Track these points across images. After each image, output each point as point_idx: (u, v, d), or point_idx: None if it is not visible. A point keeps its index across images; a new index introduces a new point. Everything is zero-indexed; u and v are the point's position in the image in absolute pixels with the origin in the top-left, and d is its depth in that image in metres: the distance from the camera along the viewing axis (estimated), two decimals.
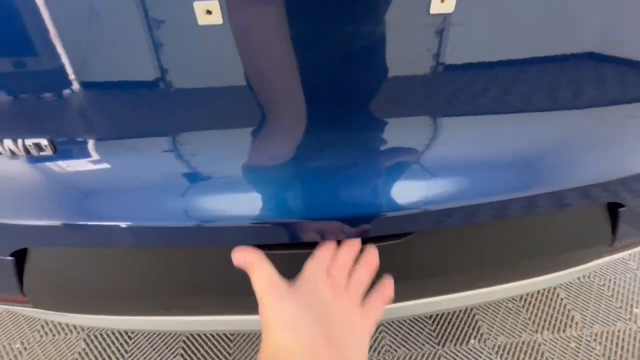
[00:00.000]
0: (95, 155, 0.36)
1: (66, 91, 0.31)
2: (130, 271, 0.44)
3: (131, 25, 0.27)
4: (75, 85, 0.31)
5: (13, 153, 0.35)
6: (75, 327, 0.98)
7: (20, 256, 0.43)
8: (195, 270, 0.44)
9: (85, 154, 0.36)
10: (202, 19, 0.27)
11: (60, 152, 0.36)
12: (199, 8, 0.26)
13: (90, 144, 0.36)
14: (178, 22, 0.28)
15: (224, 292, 0.46)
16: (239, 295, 0.42)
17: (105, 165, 0.37)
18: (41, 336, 0.97)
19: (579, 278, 1.07)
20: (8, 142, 0.35)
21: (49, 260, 0.44)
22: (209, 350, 0.94)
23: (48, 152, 0.35)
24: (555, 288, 1.06)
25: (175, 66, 0.31)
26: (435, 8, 0.28)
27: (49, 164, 0.37)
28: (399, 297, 0.40)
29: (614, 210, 0.45)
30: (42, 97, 0.32)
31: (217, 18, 0.27)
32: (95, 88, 0.32)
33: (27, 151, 0.35)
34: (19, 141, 0.35)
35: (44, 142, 0.35)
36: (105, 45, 0.29)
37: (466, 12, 0.29)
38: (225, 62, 0.30)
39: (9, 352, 0.94)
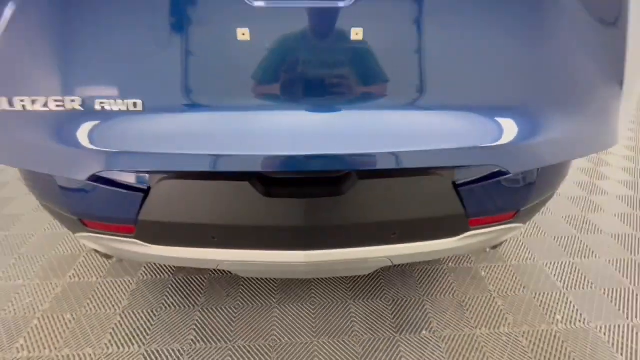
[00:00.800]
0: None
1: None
2: (214, 209, 0.77)
3: (205, 42, 0.62)
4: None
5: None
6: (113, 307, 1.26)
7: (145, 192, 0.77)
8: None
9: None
10: (240, 37, 0.60)
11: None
12: (239, 32, 0.60)
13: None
14: (230, 38, 0.60)
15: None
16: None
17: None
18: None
19: (515, 290, 1.35)
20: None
21: (157, 200, 0.78)
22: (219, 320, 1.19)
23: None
24: (494, 297, 1.33)
25: (229, 60, 0.63)
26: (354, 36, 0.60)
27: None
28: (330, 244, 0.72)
29: (457, 189, 0.80)
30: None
31: (247, 37, 0.61)
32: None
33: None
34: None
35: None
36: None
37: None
38: (250, 60, 0.62)
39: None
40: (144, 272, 1.40)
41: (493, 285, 1.38)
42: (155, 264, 1.44)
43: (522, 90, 0.68)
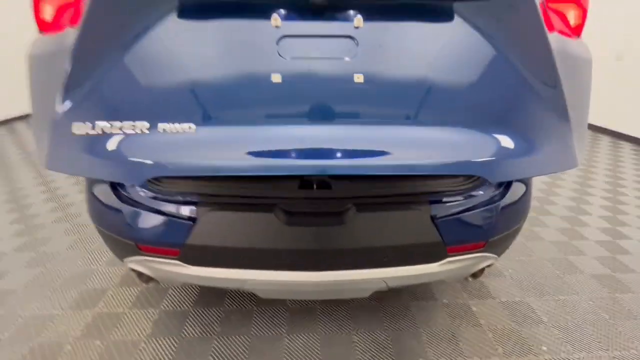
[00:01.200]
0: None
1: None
2: (244, 235, 0.97)
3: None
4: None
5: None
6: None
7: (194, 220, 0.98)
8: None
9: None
10: (275, 80, 0.81)
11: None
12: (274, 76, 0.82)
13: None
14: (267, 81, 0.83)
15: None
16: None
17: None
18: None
19: (504, 324, 1.47)
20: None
21: (202, 227, 0.99)
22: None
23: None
24: (485, 330, 1.45)
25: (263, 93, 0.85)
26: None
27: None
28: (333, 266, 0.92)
29: (434, 221, 1.01)
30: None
31: (279, 80, 0.82)
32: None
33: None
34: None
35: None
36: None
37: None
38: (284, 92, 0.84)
39: None
40: (167, 303, 1.55)
41: (484, 320, 1.51)
42: (177, 295, 1.59)
43: (491, 121, 0.87)
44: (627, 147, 4.07)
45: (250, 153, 0.83)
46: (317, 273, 1.01)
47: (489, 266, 1.22)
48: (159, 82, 0.84)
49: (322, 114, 0.86)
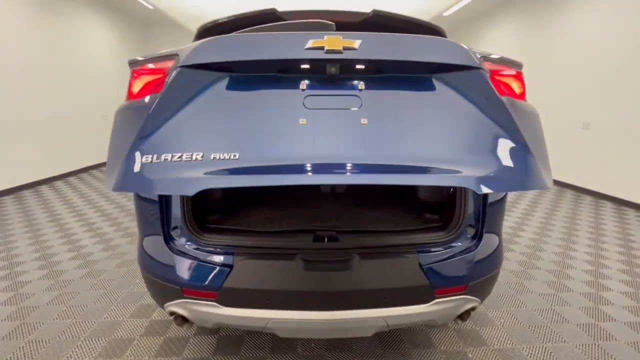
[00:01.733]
0: None
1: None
2: (271, 279, 1.21)
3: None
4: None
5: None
6: None
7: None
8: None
9: None
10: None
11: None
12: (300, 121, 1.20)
13: None
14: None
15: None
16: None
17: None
18: None
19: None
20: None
21: (237, 273, 1.23)
22: None
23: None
24: None
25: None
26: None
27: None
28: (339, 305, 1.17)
29: (422, 267, 1.26)
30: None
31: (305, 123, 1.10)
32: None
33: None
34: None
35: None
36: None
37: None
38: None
39: None
40: (188, 352, 1.70)
41: None
42: (197, 345, 1.74)
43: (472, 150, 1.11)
44: (608, 205, 4.39)
45: (279, 167, 1.05)
46: (327, 312, 1.23)
47: (473, 309, 1.42)
48: (213, 126, 1.11)
49: (334, 144, 1.07)
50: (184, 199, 1.33)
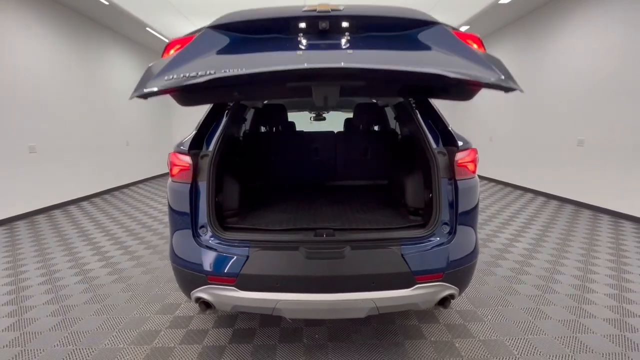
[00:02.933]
0: None
1: None
2: (279, 266, 1.49)
3: None
4: None
5: None
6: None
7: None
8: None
9: None
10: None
11: None
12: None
13: None
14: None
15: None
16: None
17: None
18: None
19: (482, 359, 1.80)
20: None
21: (252, 261, 1.51)
22: None
23: None
24: None
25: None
26: None
27: None
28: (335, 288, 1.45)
29: (403, 256, 1.52)
30: None
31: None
32: None
33: None
34: None
35: None
36: None
37: None
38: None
39: None
40: (208, 341, 1.95)
41: (465, 353, 1.84)
42: (215, 335, 1.99)
43: None
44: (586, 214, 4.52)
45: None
46: (326, 295, 1.49)
47: (452, 297, 1.65)
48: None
49: (326, 58, 1.27)
50: (209, 202, 1.65)
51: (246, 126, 3.07)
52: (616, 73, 4.54)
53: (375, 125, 3.26)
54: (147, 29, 6.75)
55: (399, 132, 2.82)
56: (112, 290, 2.59)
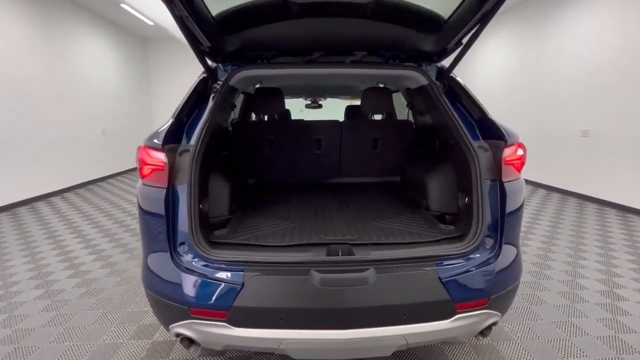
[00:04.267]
0: None
1: None
2: (286, 297, 1.14)
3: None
4: None
5: None
6: None
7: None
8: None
9: None
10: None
11: None
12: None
13: None
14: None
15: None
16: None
17: None
18: None
19: None
20: None
21: (248, 290, 1.17)
22: None
23: None
24: None
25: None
26: None
27: None
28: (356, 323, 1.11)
29: (442, 281, 1.20)
30: None
31: None
32: None
33: None
34: None
35: None
36: None
37: None
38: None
39: None
40: None
41: None
42: None
43: None
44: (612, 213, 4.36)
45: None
46: (344, 331, 1.16)
47: (494, 324, 1.36)
48: None
49: None
50: (191, 212, 1.27)
51: (235, 114, 2.67)
52: (623, 59, 4.31)
53: (386, 113, 2.90)
54: (122, 5, 6.11)
55: (412, 122, 2.48)
56: (106, 284, 2.20)
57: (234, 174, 1.95)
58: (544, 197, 5.15)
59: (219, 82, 1.66)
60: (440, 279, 1.21)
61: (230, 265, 1.23)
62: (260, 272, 1.20)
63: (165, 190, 1.28)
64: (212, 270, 1.23)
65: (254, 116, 3.64)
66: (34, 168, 5.00)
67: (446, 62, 1.81)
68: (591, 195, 4.88)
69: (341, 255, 1.28)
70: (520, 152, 1.41)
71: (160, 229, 1.27)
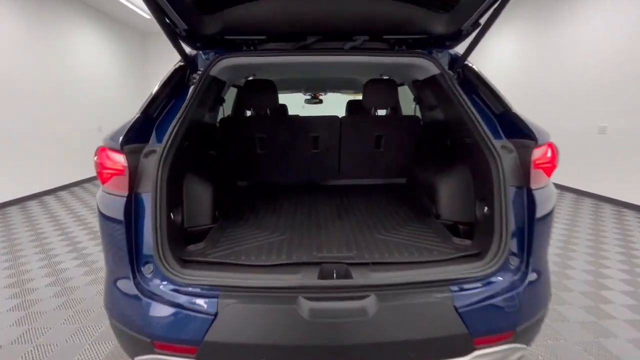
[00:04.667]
0: None
1: None
2: (268, 331, 0.94)
3: None
4: None
5: None
6: None
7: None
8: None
9: None
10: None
11: None
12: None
13: None
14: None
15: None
16: None
17: None
18: None
19: None
20: None
21: (222, 322, 0.96)
22: None
23: None
24: None
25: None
26: None
27: None
28: None
29: (458, 311, 0.99)
30: None
31: None
32: None
33: None
34: None
35: None
36: None
37: None
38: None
39: None
40: None
41: None
42: None
43: None
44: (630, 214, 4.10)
45: None
46: None
47: (520, 359, 1.14)
48: None
49: None
50: (157, 225, 1.06)
51: (224, 109, 2.45)
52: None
53: (391, 108, 2.67)
54: None
55: (420, 117, 2.24)
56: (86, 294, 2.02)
57: (220, 176, 1.74)
58: (558, 198, 4.89)
59: (199, 72, 1.45)
60: (455, 308, 0.99)
61: (201, 290, 1.02)
62: (237, 299, 0.99)
63: (125, 199, 1.07)
64: (180, 295, 1.02)
65: (249, 113, 3.42)
66: (27, 166, 4.84)
67: (459, 50, 1.58)
68: (607, 195, 4.61)
69: (336, 277, 1.07)
70: (550, 152, 1.18)
71: (121, 245, 1.07)
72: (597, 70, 4.72)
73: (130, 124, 1.15)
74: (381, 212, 1.77)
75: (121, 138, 1.08)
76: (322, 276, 1.08)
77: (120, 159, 1.08)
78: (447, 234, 1.40)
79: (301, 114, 2.59)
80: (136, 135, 1.14)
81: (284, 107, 3.53)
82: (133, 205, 1.08)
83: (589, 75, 4.86)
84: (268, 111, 2.72)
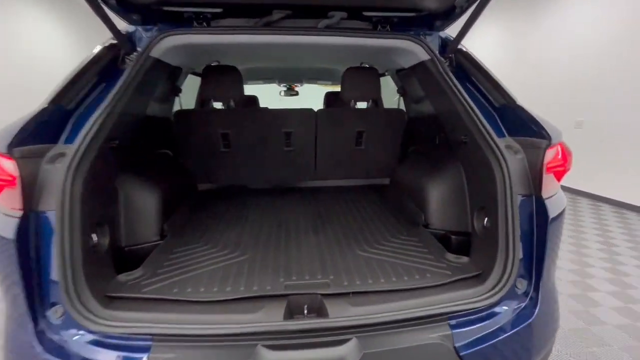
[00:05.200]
0: None
1: None
2: None
3: None
4: None
5: None
6: None
7: None
8: None
9: None
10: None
11: None
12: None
13: None
14: None
15: None
16: None
17: None
18: None
19: None
20: None
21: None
22: None
23: None
24: None
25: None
26: None
27: None
28: None
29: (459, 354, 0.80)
30: None
31: None
32: None
33: None
34: None
35: None
36: None
37: None
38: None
39: None
40: None
41: None
42: None
43: None
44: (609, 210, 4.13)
45: None
46: None
47: None
48: None
49: None
50: (64, 254, 0.79)
51: (181, 101, 2.14)
52: (621, 45, 4.02)
53: (372, 100, 2.44)
54: None
55: (404, 111, 2.04)
56: None
57: (173, 180, 1.46)
58: None
59: (137, 52, 1.16)
60: (456, 350, 0.79)
61: (128, 342, 0.77)
62: (175, 352, 0.74)
63: (18, 220, 0.79)
64: (100, 350, 0.76)
65: (219, 106, 3.10)
66: None
67: (450, 34, 1.38)
68: (584, 190, 4.66)
69: (307, 313, 0.84)
70: (561, 153, 1.00)
71: (15, 280, 0.79)
72: (573, 64, 4.72)
73: (28, 118, 0.86)
74: (362, 221, 1.55)
75: (10, 138, 0.79)
76: (289, 312, 0.85)
77: (8, 166, 0.79)
78: (440, 249, 1.20)
79: (278, 107, 2.33)
80: (37, 133, 0.85)
81: (253, 99, 3.23)
82: (32, 228, 0.80)
83: (565, 69, 4.86)
84: (232, 103, 2.42)
